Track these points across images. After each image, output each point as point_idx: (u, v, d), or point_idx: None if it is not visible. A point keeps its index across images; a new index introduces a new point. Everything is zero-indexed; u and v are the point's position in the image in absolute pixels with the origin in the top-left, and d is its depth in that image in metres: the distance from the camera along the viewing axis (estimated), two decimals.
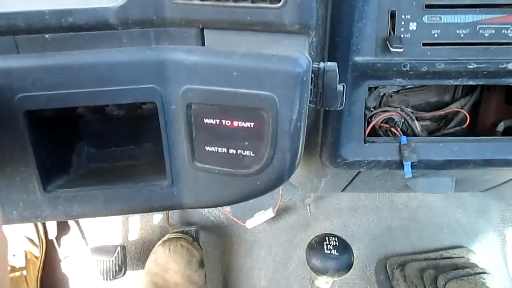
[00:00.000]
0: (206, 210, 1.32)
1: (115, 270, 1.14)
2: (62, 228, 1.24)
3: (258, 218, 1.22)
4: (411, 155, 0.63)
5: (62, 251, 1.24)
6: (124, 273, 1.17)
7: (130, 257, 1.26)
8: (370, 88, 0.63)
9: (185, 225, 1.28)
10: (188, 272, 1.09)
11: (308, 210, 1.30)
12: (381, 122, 0.69)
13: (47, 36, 0.43)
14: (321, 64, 0.45)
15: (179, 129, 0.47)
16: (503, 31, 0.55)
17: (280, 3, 0.38)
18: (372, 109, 0.69)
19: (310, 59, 0.43)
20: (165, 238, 1.17)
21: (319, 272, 0.76)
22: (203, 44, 0.44)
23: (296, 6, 0.39)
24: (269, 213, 1.21)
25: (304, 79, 0.42)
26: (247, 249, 1.30)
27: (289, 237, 1.29)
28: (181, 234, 1.18)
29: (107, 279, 1.14)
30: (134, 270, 1.26)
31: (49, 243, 1.21)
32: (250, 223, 1.23)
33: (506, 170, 0.73)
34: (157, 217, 1.31)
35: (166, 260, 1.10)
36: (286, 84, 0.41)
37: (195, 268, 1.11)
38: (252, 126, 0.44)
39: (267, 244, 1.30)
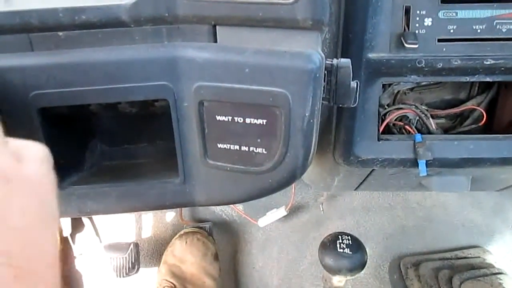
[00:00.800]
0: (218, 208, 1.32)
1: (129, 267, 1.15)
2: (77, 225, 1.26)
3: (270, 217, 1.22)
4: (426, 153, 0.62)
5: (77, 248, 1.25)
6: (137, 270, 1.18)
7: (143, 254, 1.27)
8: (384, 85, 0.62)
9: (198, 222, 1.28)
10: (204, 264, 1.13)
11: (321, 209, 1.30)
12: (395, 120, 0.68)
13: (60, 33, 0.43)
14: (334, 61, 0.44)
15: (191, 126, 0.47)
16: None
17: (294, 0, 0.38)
18: (386, 106, 0.68)
19: (323, 55, 0.42)
20: (182, 232, 1.20)
21: (332, 271, 0.75)
22: (215, 41, 0.44)
23: (308, 2, 0.38)
24: (282, 212, 1.21)
25: (317, 75, 0.41)
26: (259, 247, 1.30)
27: (301, 236, 1.29)
28: (197, 229, 1.21)
29: (120, 276, 1.15)
30: (147, 267, 1.27)
31: (63, 240, 1.22)
32: (262, 222, 1.22)
33: None
34: (170, 215, 1.32)
35: (183, 252, 1.14)
36: (299, 80, 0.41)
37: (210, 261, 1.15)
38: (264, 123, 0.43)
39: (280, 242, 1.29)
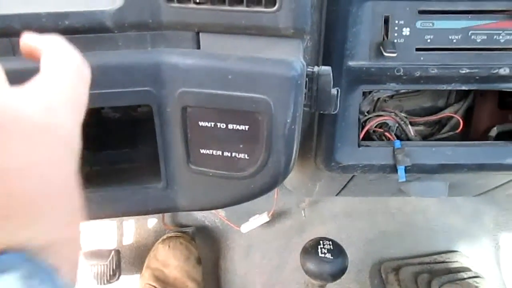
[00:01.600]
0: (200, 214, 1.32)
1: (110, 275, 1.13)
2: None
3: (253, 223, 1.22)
4: (405, 159, 0.63)
5: None
6: (118, 277, 1.17)
7: (124, 261, 1.25)
8: (364, 93, 0.63)
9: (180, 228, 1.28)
10: (187, 268, 1.13)
11: (303, 214, 1.31)
12: (375, 127, 0.70)
13: None
14: (316, 68, 0.45)
15: (174, 131, 0.47)
16: (494, 36, 0.56)
17: (275, 7, 0.39)
18: (366, 113, 0.69)
19: (304, 63, 0.43)
20: (164, 236, 1.20)
21: (314, 276, 0.76)
22: (198, 47, 0.45)
23: (291, 10, 0.39)
24: (264, 218, 1.21)
25: (299, 82, 0.42)
26: (242, 254, 1.30)
27: (284, 242, 1.29)
28: (179, 233, 1.21)
29: (101, 284, 1.13)
30: (128, 274, 1.25)
31: None
32: (245, 228, 1.23)
33: (499, 174, 0.74)
34: (152, 221, 1.31)
35: (166, 256, 1.14)
36: (281, 87, 0.42)
37: (193, 264, 1.15)
38: (247, 129, 0.44)
39: (262, 248, 1.30)
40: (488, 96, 0.71)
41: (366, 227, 1.29)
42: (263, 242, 1.30)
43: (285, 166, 0.46)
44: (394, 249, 1.27)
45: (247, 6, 0.40)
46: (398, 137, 0.69)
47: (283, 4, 0.39)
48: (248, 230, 1.23)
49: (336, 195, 0.91)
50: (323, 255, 0.75)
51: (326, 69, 0.45)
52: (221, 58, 0.43)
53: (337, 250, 0.76)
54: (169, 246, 1.15)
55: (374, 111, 0.71)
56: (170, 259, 1.13)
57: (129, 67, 0.44)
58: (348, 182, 0.78)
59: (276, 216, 1.30)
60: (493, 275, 1.23)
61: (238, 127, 0.44)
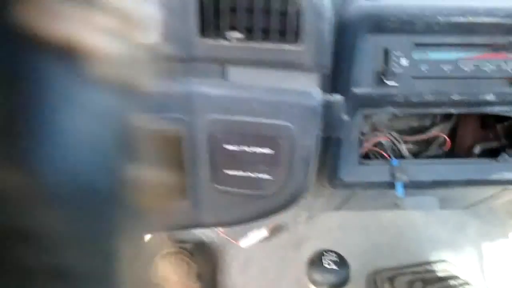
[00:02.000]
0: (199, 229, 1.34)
1: None
2: None
3: (251, 237, 1.25)
4: (402, 176, 0.69)
5: None
6: None
7: None
8: (365, 116, 0.69)
9: (179, 243, 1.30)
10: (187, 283, 1.17)
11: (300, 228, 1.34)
12: (372, 146, 0.75)
13: None
14: (330, 97, 0.51)
15: (201, 153, 0.51)
16: (481, 67, 0.63)
17: (301, 47, 0.44)
18: (363, 133, 0.75)
19: (322, 93, 0.48)
20: (164, 252, 1.23)
21: (320, 285, 0.80)
22: (226, 78, 0.50)
23: (314, 49, 0.44)
24: (263, 232, 1.24)
25: (318, 111, 0.47)
26: (239, 268, 1.32)
27: (281, 256, 1.32)
28: (179, 249, 1.24)
29: None
30: None
31: None
32: (244, 242, 1.26)
33: (483, 188, 0.80)
34: (149, 235, 1.32)
35: (167, 272, 1.17)
36: (302, 115, 0.47)
37: (193, 280, 1.18)
38: (270, 152, 0.49)
39: (260, 263, 1.32)
40: (471, 117, 0.77)
41: (360, 240, 1.34)
42: (260, 257, 1.32)
43: (304, 185, 0.51)
44: (387, 260, 1.31)
45: (274, 43, 0.45)
46: (392, 156, 0.75)
47: (307, 43, 0.44)
48: (247, 244, 1.26)
49: (337, 210, 0.96)
50: (328, 265, 0.79)
51: (339, 98, 0.51)
52: (248, 88, 0.48)
53: (341, 261, 0.81)
54: (170, 262, 1.18)
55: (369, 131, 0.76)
56: (171, 275, 1.16)
57: (161, 95, 0.48)
58: (349, 197, 0.83)
59: (273, 231, 1.34)
60: (478, 282, 1.29)
61: (262, 150, 0.49)
